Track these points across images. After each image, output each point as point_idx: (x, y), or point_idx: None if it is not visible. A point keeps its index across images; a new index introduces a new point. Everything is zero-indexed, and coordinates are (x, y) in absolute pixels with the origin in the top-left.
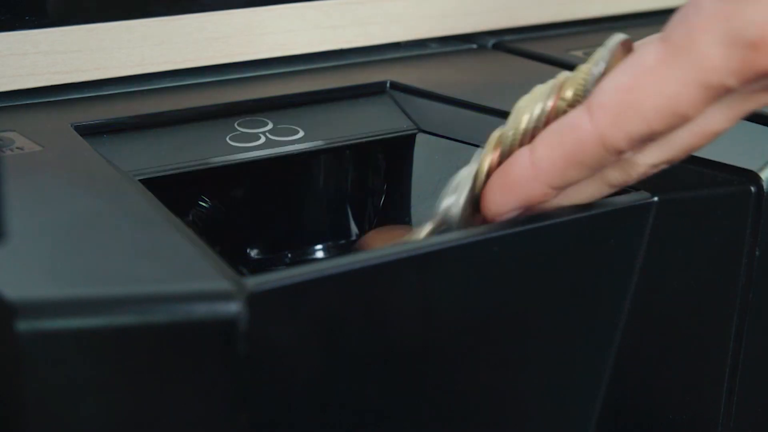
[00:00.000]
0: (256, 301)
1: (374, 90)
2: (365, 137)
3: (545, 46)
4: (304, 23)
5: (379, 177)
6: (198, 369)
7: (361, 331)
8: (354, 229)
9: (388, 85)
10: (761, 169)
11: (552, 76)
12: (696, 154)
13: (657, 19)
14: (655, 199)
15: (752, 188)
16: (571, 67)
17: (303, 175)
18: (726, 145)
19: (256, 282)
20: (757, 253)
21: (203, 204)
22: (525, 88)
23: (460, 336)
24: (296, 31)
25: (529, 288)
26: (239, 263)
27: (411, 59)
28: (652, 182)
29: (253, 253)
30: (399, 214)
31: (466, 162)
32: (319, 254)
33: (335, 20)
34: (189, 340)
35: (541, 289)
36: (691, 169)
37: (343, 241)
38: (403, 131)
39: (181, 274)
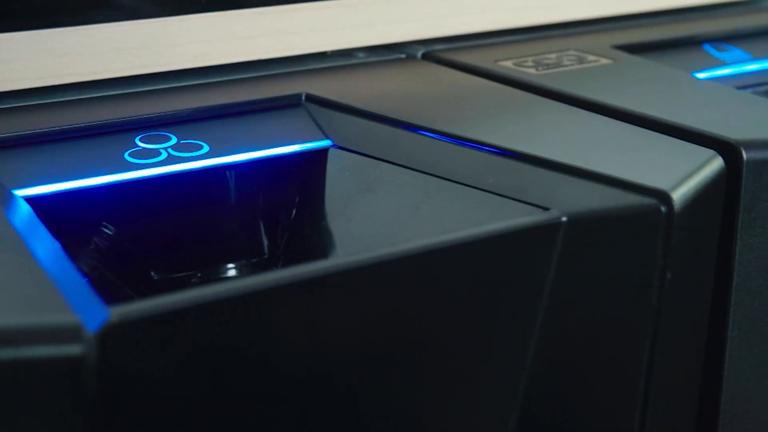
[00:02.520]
0: (112, 334)
1: (289, 103)
2: (273, 152)
3: (475, 56)
4: (219, 33)
5: (291, 193)
6: (47, 412)
7: (240, 362)
8: (266, 245)
9: (303, 97)
10: (673, 188)
11: (477, 88)
12: (606, 172)
13: (589, 28)
14: (564, 219)
15: (663, 208)
16: (499, 78)
17: (210, 192)
18: (638, 162)
19: (115, 312)
20: (668, 276)
21: (106, 226)
22: (446, 102)
23: (351, 365)
24: (211, 42)
25: (431, 311)
26: (143, 287)
27: (334, 70)
28: (561, 201)
29: (159, 275)
30: (311, 230)
31: (379, 178)
32: (232, 273)
33: (252, 30)
34: (32, 380)
35: (444, 311)
36: (601, 188)
37: (256, 260)
38: (315, 146)
39: (23, 305)
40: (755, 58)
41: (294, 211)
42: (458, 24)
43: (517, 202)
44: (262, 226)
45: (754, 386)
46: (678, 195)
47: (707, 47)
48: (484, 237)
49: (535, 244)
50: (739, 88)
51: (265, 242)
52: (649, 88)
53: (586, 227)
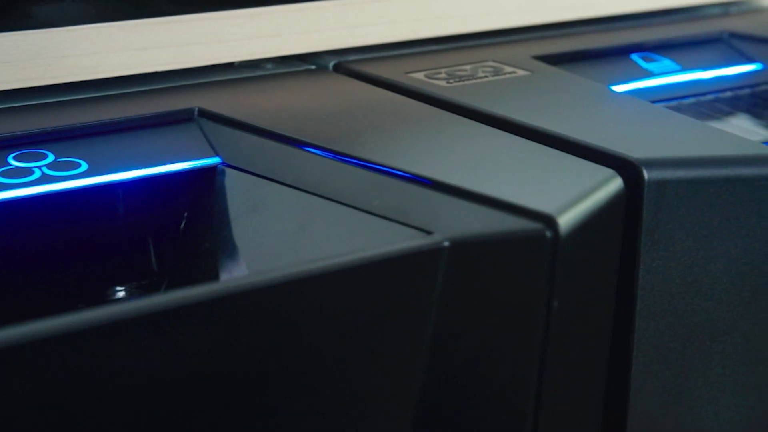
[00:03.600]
0: None
1: (180, 118)
2: (157, 170)
3: (387, 67)
4: (111, 44)
5: (175, 213)
6: None
7: (86, 397)
8: (155, 267)
9: (196, 112)
10: (560, 211)
11: (380, 102)
12: (493, 193)
13: (515, 38)
14: (446, 244)
15: (548, 233)
16: (406, 92)
17: (87, 213)
18: (529, 183)
19: None
20: (555, 304)
21: None
22: (344, 117)
23: (234, 390)
24: (102, 53)
25: (312, 336)
26: (19, 315)
27: (237, 82)
28: (445, 224)
29: (40, 302)
30: (201, 251)
31: (265, 199)
32: (120, 295)
33: (150, 41)
34: None
35: (324, 336)
36: (485, 211)
37: (145, 281)
38: (202, 164)
39: None
40: (685, 69)
41: (179, 232)
42: (372, 34)
43: (400, 225)
44: (151, 247)
45: (660, 415)
46: (565, 219)
47: (635, 57)
48: (360, 263)
49: (416, 270)
50: (662, 101)
51: (151, 263)
52: (559, 102)
53: (469, 252)
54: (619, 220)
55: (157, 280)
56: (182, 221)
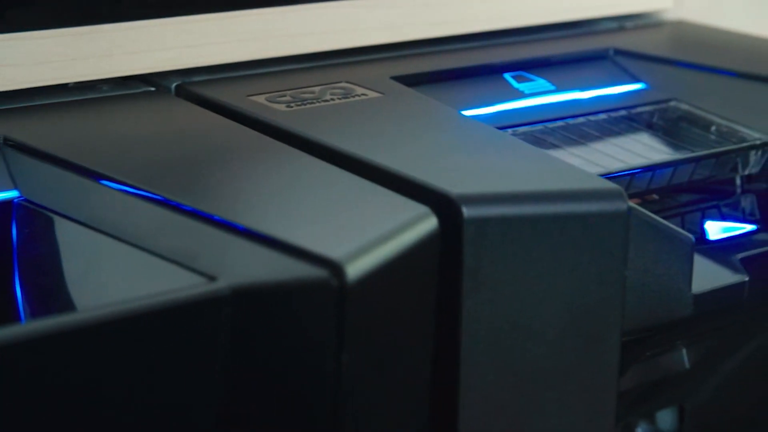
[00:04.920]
0: None
1: None
2: None
3: (230, 89)
4: None
5: None
6: None
7: None
8: None
9: (1, 140)
10: (349, 257)
11: (205, 130)
12: (282, 236)
13: (382, 55)
14: (227, 292)
15: (334, 282)
16: (239, 117)
17: None
18: (326, 223)
19: None
20: (345, 357)
21: None
22: (157, 147)
23: None
24: None
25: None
26: None
27: (62, 107)
28: (231, 269)
29: None
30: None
31: (61, 237)
32: None
33: None
34: None
35: (106, 388)
36: (273, 255)
37: None
38: None
39: None
40: (559, 89)
41: None
42: (216, 53)
43: (186, 270)
44: None
45: None
46: (357, 265)
47: (508, 77)
48: (136, 312)
49: (195, 316)
50: (525, 124)
51: None
52: (397, 128)
53: (253, 299)
54: (433, 263)
55: None
56: None
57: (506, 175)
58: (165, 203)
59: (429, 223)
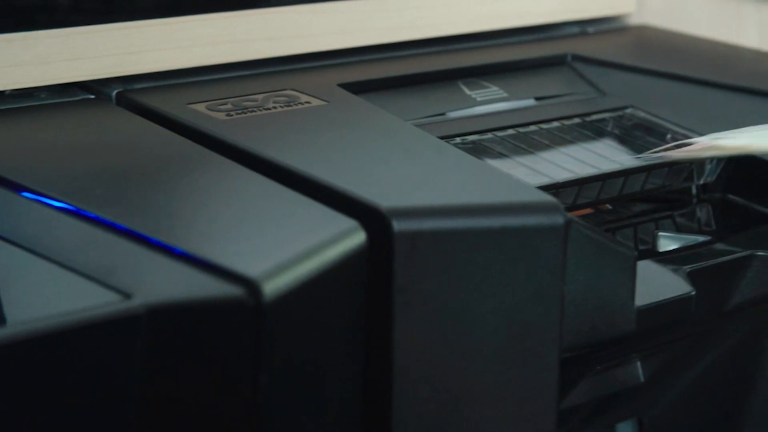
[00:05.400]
0: None
1: None
2: None
3: (170, 97)
4: None
5: None
6: None
7: None
8: None
9: None
10: (267, 275)
11: (145, 140)
12: (200, 253)
13: (319, 63)
14: (142, 310)
15: (249, 301)
16: (175, 125)
17: None
18: (243, 240)
19: None
20: (261, 380)
21: None
22: (89, 160)
23: None
24: None
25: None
26: None
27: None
28: (148, 286)
29: None
30: None
31: None
32: None
33: None
34: None
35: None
36: (190, 273)
37: None
38: None
39: None
40: (512, 97)
41: None
42: (158, 60)
43: (100, 286)
44: None
45: None
46: (274, 283)
47: (461, 84)
48: (42, 332)
49: (108, 336)
50: (473, 133)
51: None
52: (336, 138)
53: (170, 318)
54: (361, 279)
55: None
56: None
57: (441, 188)
58: (83, 216)
59: (356, 238)
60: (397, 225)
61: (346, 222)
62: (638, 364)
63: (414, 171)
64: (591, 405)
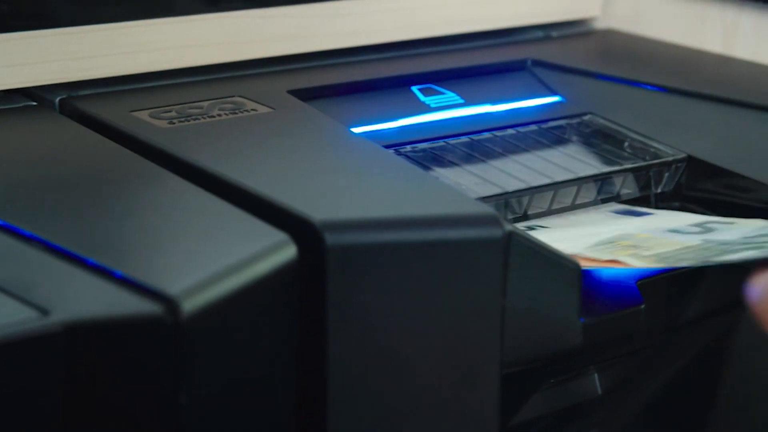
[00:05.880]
0: None
1: None
2: None
3: (113, 104)
4: None
5: None
6: None
7: None
8: None
9: None
10: (187, 292)
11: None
12: (117, 267)
13: (269, 69)
14: (59, 327)
15: (167, 318)
16: (115, 134)
17: None
18: (166, 255)
19: None
20: (182, 399)
21: None
22: (17, 172)
23: None
24: None
25: None
26: None
27: None
28: (67, 302)
29: None
30: None
31: None
32: None
33: None
34: None
35: None
36: (110, 289)
37: None
38: None
39: None
40: (468, 103)
41: None
42: (103, 66)
43: (17, 302)
44: None
45: None
46: (195, 300)
47: (415, 90)
48: None
49: (24, 354)
50: (425, 141)
51: None
52: (277, 147)
53: (90, 336)
54: (291, 294)
55: None
56: None
57: (378, 199)
58: (2, 228)
59: (286, 252)
60: (330, 238)
61: (275, 235)
62: (596, 376)
63: (352, 182)
64: (549, 418)
